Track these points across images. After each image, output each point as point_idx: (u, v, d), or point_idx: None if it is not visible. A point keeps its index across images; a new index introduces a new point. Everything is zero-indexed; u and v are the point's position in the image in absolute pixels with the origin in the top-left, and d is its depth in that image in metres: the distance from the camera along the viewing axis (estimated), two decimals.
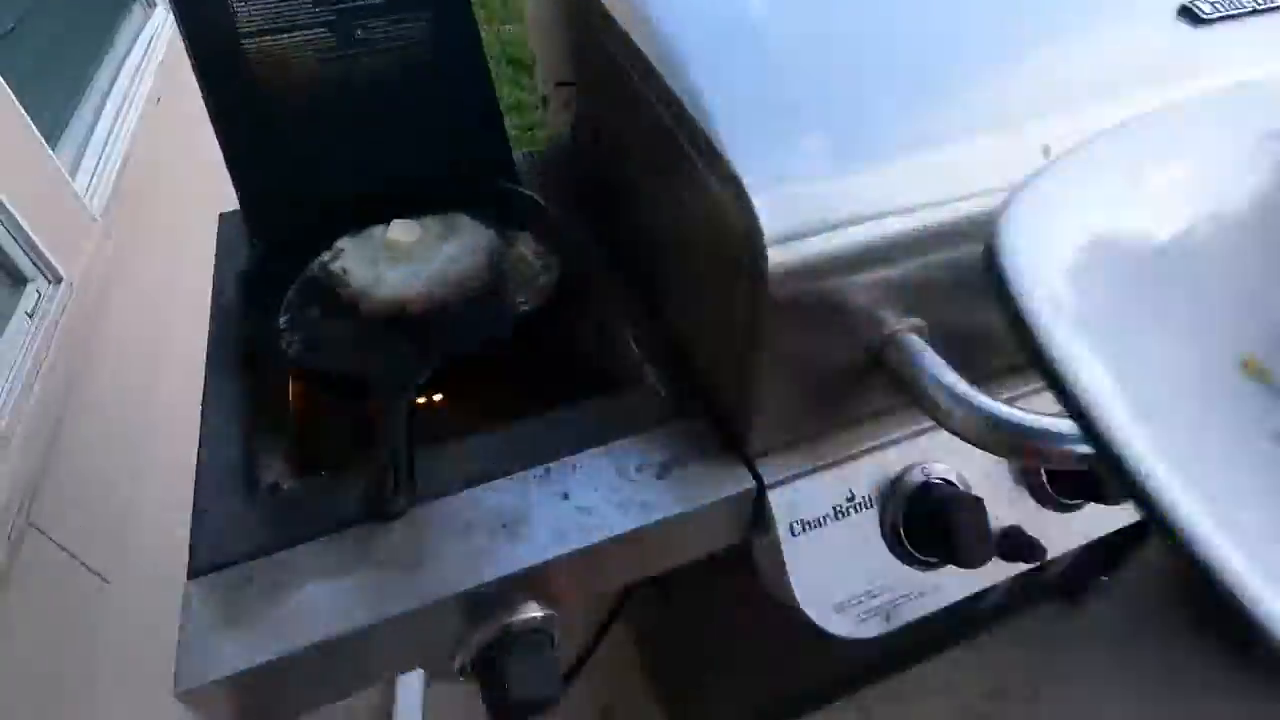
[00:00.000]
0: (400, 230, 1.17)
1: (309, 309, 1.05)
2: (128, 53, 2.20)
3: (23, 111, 1.51)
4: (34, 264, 1.44)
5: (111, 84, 2.01)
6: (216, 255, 1.18)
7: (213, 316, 1.04)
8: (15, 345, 1.31)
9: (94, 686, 1.30)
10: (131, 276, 1.79)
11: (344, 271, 1.11)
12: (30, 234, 1.41)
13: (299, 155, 1.20)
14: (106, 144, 1.80)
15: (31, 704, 1.17)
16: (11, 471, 1.20)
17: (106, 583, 1.42)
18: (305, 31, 1.19)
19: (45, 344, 1.37)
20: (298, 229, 1.13)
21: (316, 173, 1.21)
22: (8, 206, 1.36)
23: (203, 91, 1.14)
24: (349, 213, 1.16)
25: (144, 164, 2.01)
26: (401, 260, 1.14)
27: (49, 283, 1.47)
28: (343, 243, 1.16)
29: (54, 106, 1.76)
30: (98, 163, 1.76)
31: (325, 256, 1.14)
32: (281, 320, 1.03)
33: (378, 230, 1.19)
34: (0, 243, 1.37)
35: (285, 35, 1.18)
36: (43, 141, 1.57)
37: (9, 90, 1.48)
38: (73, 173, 1.70)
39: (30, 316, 1.38)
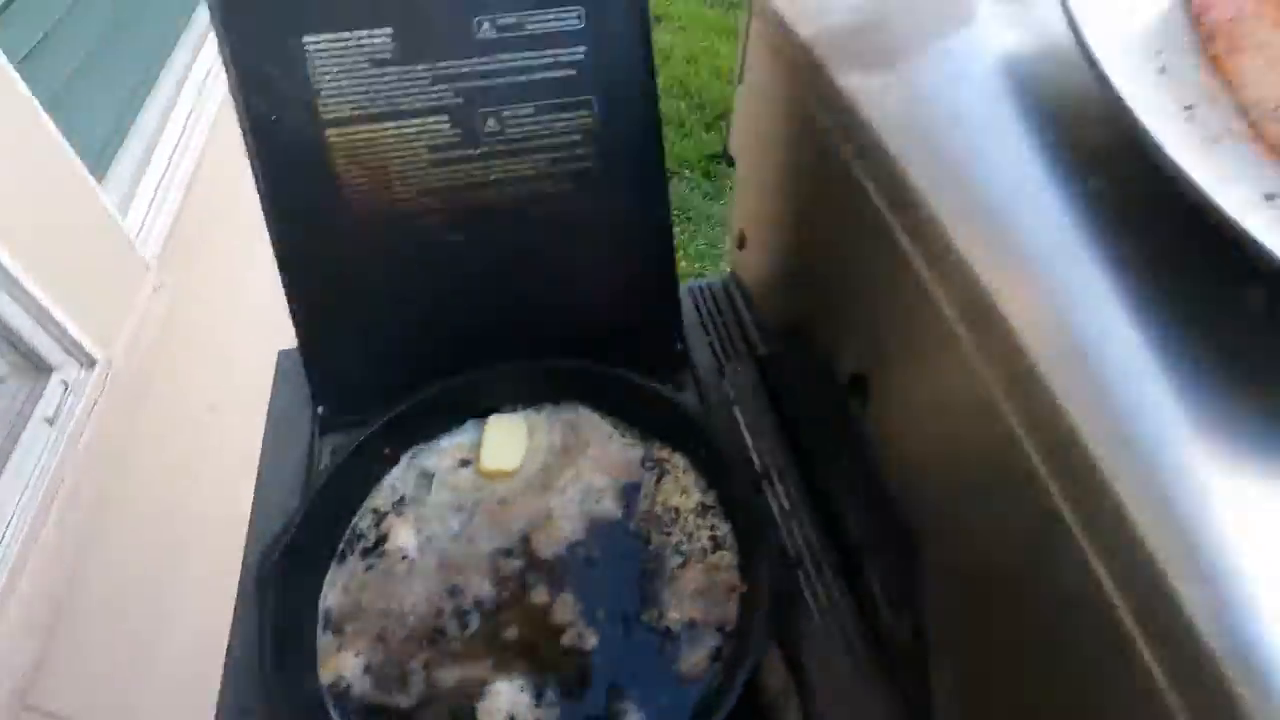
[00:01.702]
0: (499, 445, 0.81)
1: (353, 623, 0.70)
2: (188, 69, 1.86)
3: (63, 142, 1.21)
4: (61, 347, 1.15)
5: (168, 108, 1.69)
6: (266, 432, 0.85)
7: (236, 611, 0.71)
8: (22, 475, 1.03)
9: None
10: (189, 324, 1.51)
11: (403, 554, 0.74)
12: (53, 312, 1.11)
13: (387, 311, 0.85)
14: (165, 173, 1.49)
15: None
16: (9, 650, 0.93)
17: None
18: (413, 121, 0.82)
19: (65, 463, 1.08)
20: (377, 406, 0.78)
21: (405, 339, 0.86)
22: (20, 280, 1.06)
23: (264, 203, 0.79)
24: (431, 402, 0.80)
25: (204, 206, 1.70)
26: (500, 497, 0.78)
27: (80, 367, 1.19)
28: (404, 473, 0.80)
29: (102, 131, 1.45)
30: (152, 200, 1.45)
31: (379, 499, 0.78)
32: (323, 639, 0.69)
33: (454, 441, 0.83)
34: (12, 326, 1.07)
35: (386, 124, 0.81)
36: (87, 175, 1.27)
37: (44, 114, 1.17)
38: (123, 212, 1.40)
39: (51, 423, 1.10)
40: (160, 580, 1.31)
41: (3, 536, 0.98)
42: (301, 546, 0.68)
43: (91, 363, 1.19)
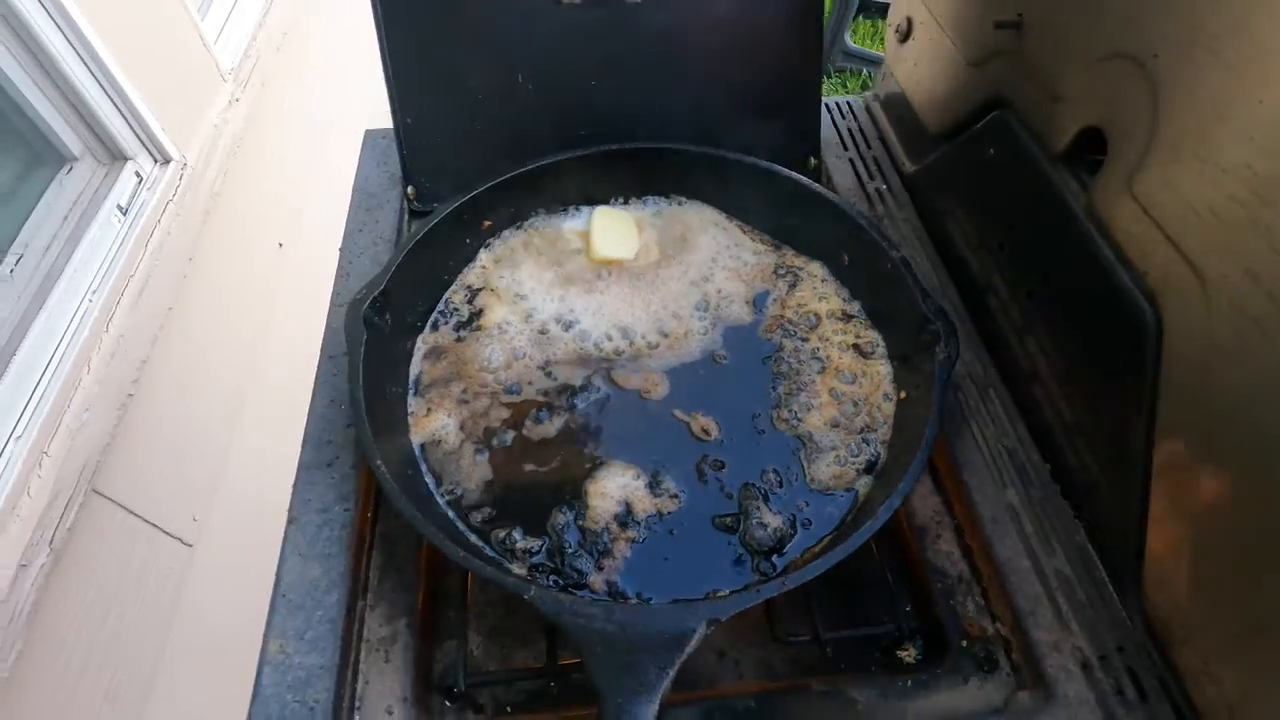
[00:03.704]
0: (610, 234, 0.70)
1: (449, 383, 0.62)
2: None
3: None
4: (137, 136, 1.08)
5: None
6: (351, 207, 0.77)
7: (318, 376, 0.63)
8: (93, 262, 0.97)
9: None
10: (264, 150, 1.44)
11: (500, 329, 0.65)
12: (131, 95, 1.04)
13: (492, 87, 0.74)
14: None
15: None
16: (77, 427, 0.90)
17: (189, 545, 1.17)
18: None
19: (135, 256, 1.03)
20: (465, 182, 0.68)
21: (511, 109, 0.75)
22: (101, 55, 0.98)
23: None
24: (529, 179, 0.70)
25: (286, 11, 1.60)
26: (611, 287, 0.68)
27: (155, 163, 1.12)
28: (502, 249, 0.70)
29: None
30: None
31: (473, 275, 0.68)
32: (412, 403, 0.61)
33: (562, 225, 0.72)
34: (89, 103, 1.00)
35: None
36: None
37: None
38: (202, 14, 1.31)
39: (123, 212, 1.04)
40: (228, 384, 1.28)
41: (73, 318, 0.93)
42: (393, 300, 0.60)
43: (166, 159, 1.13)
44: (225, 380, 1.29)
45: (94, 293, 0.96)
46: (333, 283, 0.69)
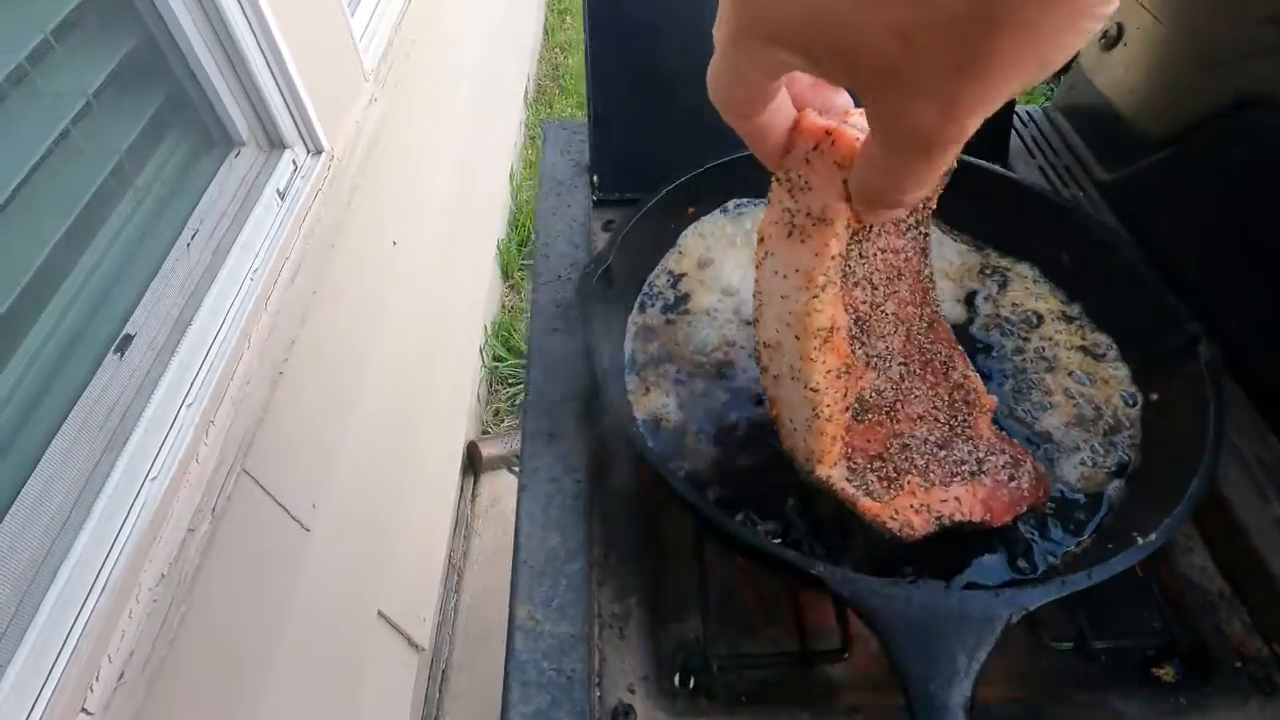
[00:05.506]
0: None
1: (661, 363, 0.61)
2: None
3: None
4: (296, 126, 1.12)
5: None
6: (541, 192, 0.77)
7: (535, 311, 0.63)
8: (256, 241, 1.00)
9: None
10: (391, 151, 1.48)
11: (709, 315, 0.64)
12: (299, 86, 1.08)
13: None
14: None
15: None
16: (240, 397, 0.92)
17: (307, 530, 1.17)
18: None
19: (291, 239, 1.06)
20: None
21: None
22: (280, 46, 1.02)
23: None
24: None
25: (422, 12, 1.66)
26: None
27: (308, 153, 1.16)
28: (703, 235, 0.70)
29: None
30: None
31: (673, 261, 0.68)
32: (629, 380, 0.60)
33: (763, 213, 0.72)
34: (263, 91, 1.04)
35: None
36: None
37: None
38: (352, 10, 1.36)
39: (281, 197, 1.07)
40: (348, 374, 1.30)
41: (238, 294, 0.96)
42: (612, 279, 0.60)
43: (319, 150, 1.16)
44: (346, 370, 1.31)
45: (255, 271, 0.99)
46: (534, 263, 0.70)
